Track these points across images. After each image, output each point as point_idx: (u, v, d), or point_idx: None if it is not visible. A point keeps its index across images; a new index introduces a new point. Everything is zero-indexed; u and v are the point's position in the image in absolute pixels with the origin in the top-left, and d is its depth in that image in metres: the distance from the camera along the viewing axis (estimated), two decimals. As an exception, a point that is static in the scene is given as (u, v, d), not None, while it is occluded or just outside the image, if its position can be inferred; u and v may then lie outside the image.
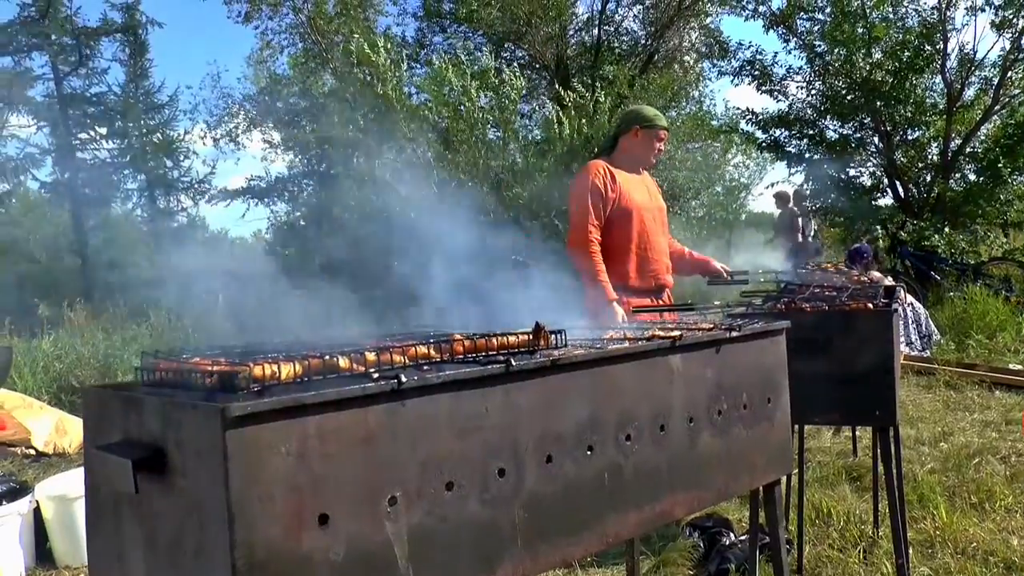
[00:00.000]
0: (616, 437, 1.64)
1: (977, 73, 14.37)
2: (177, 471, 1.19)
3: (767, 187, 27.75)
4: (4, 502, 3.88)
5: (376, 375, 1.27)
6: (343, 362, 1.27)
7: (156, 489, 1.22)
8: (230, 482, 1.08)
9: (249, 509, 1.09)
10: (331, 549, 1.17)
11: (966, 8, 14.12)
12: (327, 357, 1.26)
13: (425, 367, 1.36)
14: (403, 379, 1.26)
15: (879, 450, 3.35)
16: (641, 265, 3.97)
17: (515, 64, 16.24)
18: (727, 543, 3.70)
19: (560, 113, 12.45)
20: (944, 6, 13.97)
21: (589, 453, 1.57)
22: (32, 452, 6.09)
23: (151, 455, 1.21)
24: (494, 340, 1.45)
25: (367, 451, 1.22)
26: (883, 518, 3.90)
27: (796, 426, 3.52)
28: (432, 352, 1.38)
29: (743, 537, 3.71)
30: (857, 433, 5.24)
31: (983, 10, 13.83)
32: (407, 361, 1.35)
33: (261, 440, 1.11)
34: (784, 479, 2.96)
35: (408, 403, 1.27)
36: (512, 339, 1.48)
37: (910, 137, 15.10)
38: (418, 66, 18.18)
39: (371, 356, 1.29)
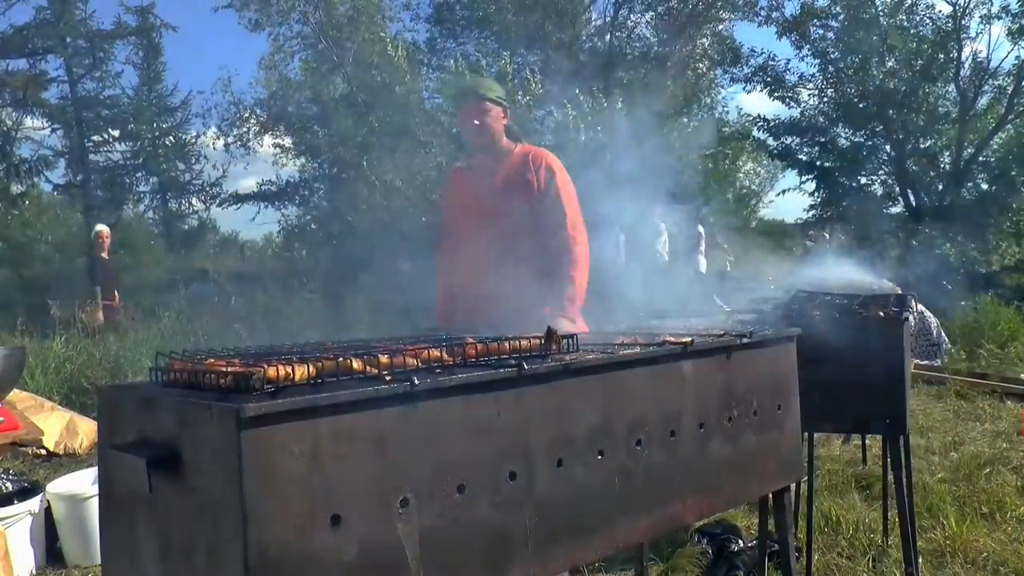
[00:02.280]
0: (627, 442, 1.64)
1: (991, 82, 14.34)
2: (191, 470, 1.20)
3: (778, 194, 27.72)
4: (15, 501, 3.90)
5: (389, 378, 1.28)
6: (356, 364, 1.27)
7: (170, 488, 1.23)
8: (244, 482, 1.09)
9: (262, 508, 1.10)
10: (343, 549, 1.18)
11: (981, 16, 14.10)
12: (340, 359, 1.27)
13: (437, 370, 1.36)
14: (416, 382, 1.26)
15: (889, 459, 3.34)
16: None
17: (535, 69, 16.26)
18: (736, 550, 3.69)
19: (575, 118, 12.45)
20: (959, 14, 13.93)
21: (600, 457, 1.57)
22: (43, 452, 6.11)
23: (166, 454, 1.22)
24: (506, 344, 1.45)
25: (379, 453, 1.23)
26: (893, 527, 3.88)
27: (806, 434, 3.51)
28: (444, 355, 1.39)
29: (752, 544, 3.69)
30: (867, 442, 5.22)
31: (999, 18, 13.80)
32: (420, 364, 1.35)
33: (275, 441, 1.12)
34: (793, 486, 2.95)
35: (420, 406, 1.28)
36: (524, 343, 1.49)
37: (922, 146, 15.06)
38: (430, 71, 18.20)
39: (384, 359, 1.30)
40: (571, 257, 3.21)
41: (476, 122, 3.32)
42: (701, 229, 11.91)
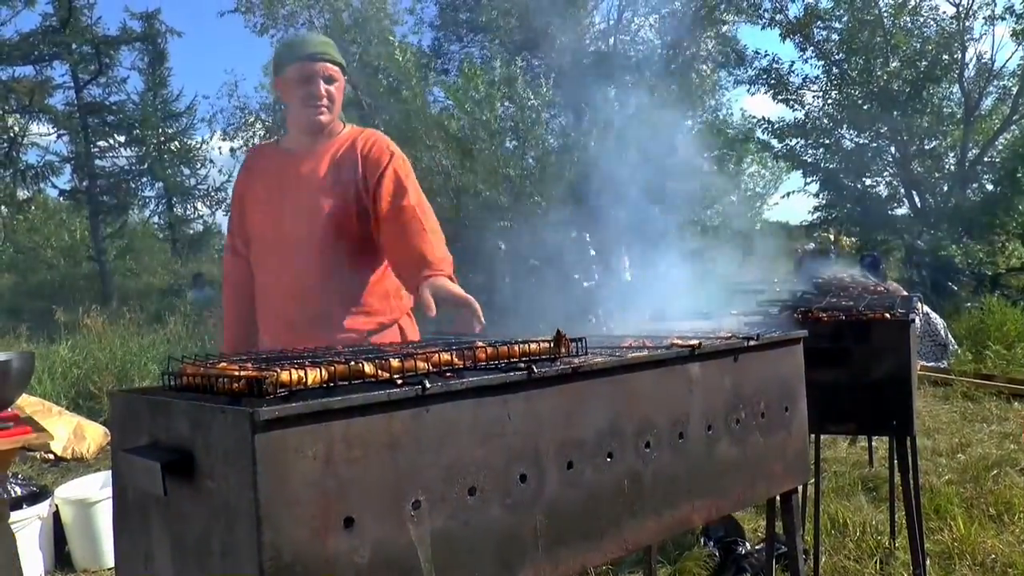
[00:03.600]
0: (636, 444, 1.65)
1: (995, 83, 14.34)
2: (205, 474, 1.21)
3: (782, 196, 27.71)
4: (24, 505, 3.93)
5: (400, 381, 1.29)
6: (368, 368, 1.29)
7: (184, 491, 1.24)
8: (258, 485, 1.10)
9: (277, 511, 1.11)
10: (356, 551, 1.19)
11: (985, 18, 14.10)
12: (352, 363, 1.28)
13: (448, 374, 1.37)
14: (427, 385, 1.28)
15: (896, 460, 3.34)
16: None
17: (540, 73, 16.27)
18: (743, 552, 3.69)
19: (579, 122, 12.50)
20: (963, 16, 13.93)
21: (609, 460, 1.58)
22: (51, 456, 6.14)
23: (180, 458, 1.23)
24: (516, 347, 1.47)
25: (392, 455, 1.24)
26: (900, 529, 3.88)
27: (812, 435, 3.51)
28: (455, 359, 1.40)
29: (759, 546, 3.70)
30: (873, 443, 5.22)
31: (1003, 19, 13.79)
32: (431, 368, 1.36)
33: (289, 444, 1.13)
34: (800, 488, 2.96)
35: (432, 409, 1.29)
36: (533, 346, 1.50)
37: (927, 147, 15.05)
38: (435, 75, 18.25)
39: (395, 363, 1.31)
40: (423, 226, 2.57)
41: (324, 93, 2.59)
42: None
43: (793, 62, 15.71)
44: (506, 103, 12.36)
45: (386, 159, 2.63)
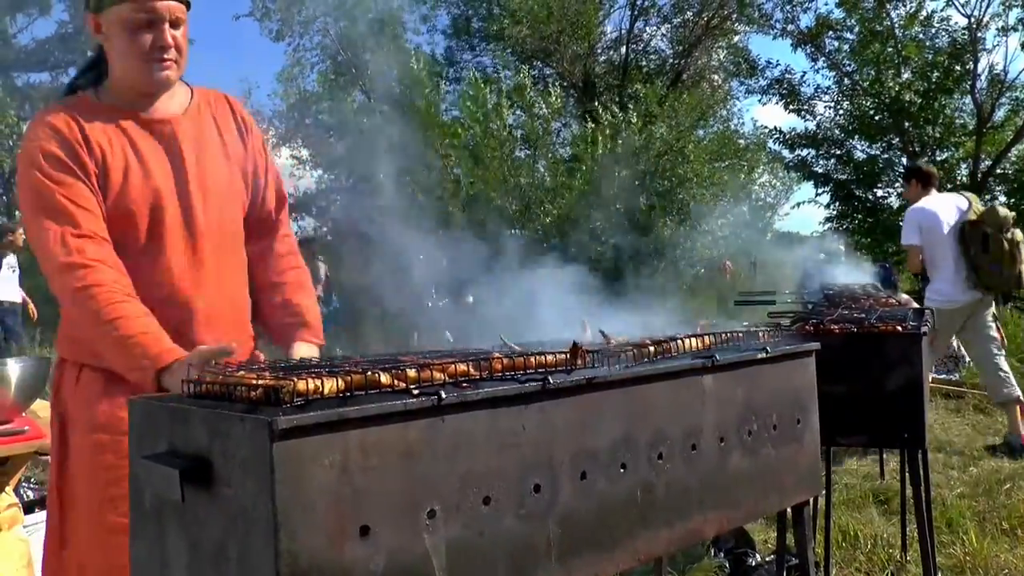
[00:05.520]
0: (649, 455, 1.65)
1: (1008, 94, 14.30)
2: (223, 481, 1.22)
3: (793, 207, 27.66)
4: (36, 510, 3.95)
5: (416, 391, 1.30)
6: (384, 378, 1.30)
7: (201, 498, 1.25)
8: (276, 492, 1.11)
9: (293, 519, 1.12)
10: (371, 560, 1.20)
11: (997, 29, 14.07)
12: (369, 373, 1.29)
13: (464, 384, 1.38)
14: (443, 395, 1.29)
15: (907, 473, 3.33)
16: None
17: (552, 82, 16.32)
18: (753, 564, 3.69)
19: (595, 130, 12.53)
20: (975, 26, 13.91)
21: (622, 471, 1.59)
22: (63, 461, 6.17)
23: (198, 465, 1.24)
24: (531, 358, 1.48)
25: (407, 465, 1.25)
26: (911, 542, 3.87)
27: (823, 447, 3.50)
28: (471, 370, 1.41)
29: (770, 558, 3.69)
30: (884, 456, 5.20)
31: (1015, 30, 13.77)
32: (447, 378, 1.38)
33: (306, 452, 1.14)
34: (812, 500, 2.95)
35: (447, 419, 1.30)
36: (549, 358, 1.51)
37: (939, 158, 15.03)
38: (448, 83, 18.34)
39: (412, 373, 1.32)
40: (304, 269, 2.36)
41: (172, 42, 2.00)
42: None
43: (805, 72, 15.72)
44: (518, 112, 12.39)
45: (261, 143, 2.28)
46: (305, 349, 2.19)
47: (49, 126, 1.95)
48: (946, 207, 6.03)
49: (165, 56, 1.99)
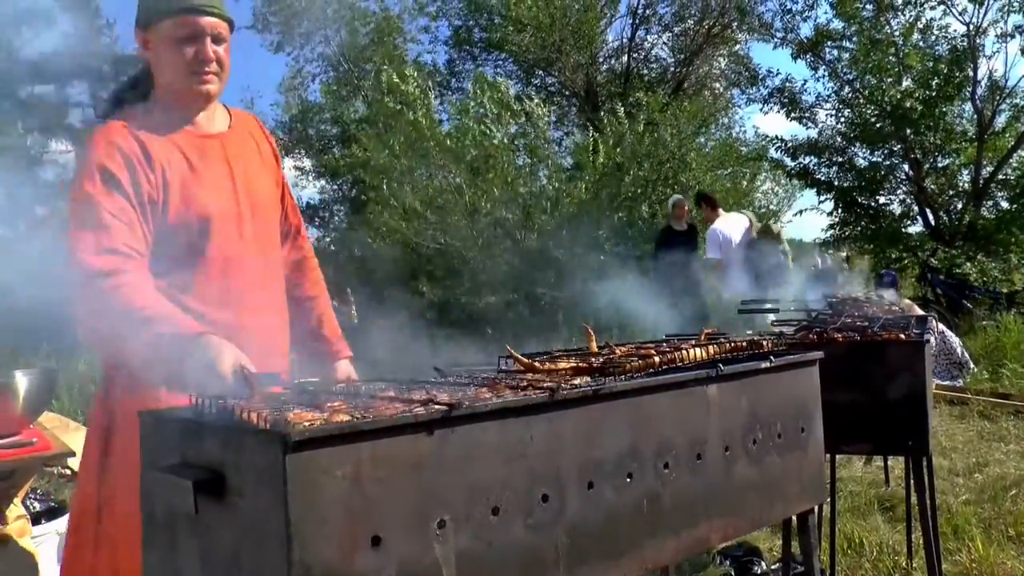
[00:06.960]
0: (655, 465, 1.67)
1: (1009, 100, 14.30)
2: (236, 493, 1.24)
3: (795, 214, 27.66)
4: (43, 521, 3.95)
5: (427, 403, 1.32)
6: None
7: (214, 510, 1.27)
8: (289, 504, 1.12)
9: (306, 530, 1.14)
10: (383, 570, 1.21)
11: (996, 35, 14.10)
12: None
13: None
14: (452, 407, 1.30)
15: (912, 480, 3.34)
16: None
17: (549, 91, 16.35)
18: (759, 572, 3.69)
19: (597, 139, 12.55)
20: (974, 33, 13.93)
21: (629, 480, 1.60)
22: (67, 472, 6.17)
23: (211, 477, 1.26)
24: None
25: (418, 476, 1.27)
26: (917, 549, 3.86)
27: (828, 455, 3.51)
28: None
29: (775, 566, 3.70)
30: (889, 463, 5.20)
31: (1014, 36, 13.79)
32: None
33: (318, 464, 1.16)
34: (816, 508, 2.96)
35: (457, 430, 1.32)
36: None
37: (940, 164, 15.04)
38: (450, 92, 18.40)
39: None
40: (323, 283, 2.50)
41: (214, 56, 2.09)
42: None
43: (806, 80, 15.74)
44: (520, 120, 12.43)
45: (279, 160, 2.40)
46: (345, 366, 2.37)
47: (110, 142, 2.01)
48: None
49: (207, 69, 2.08)
